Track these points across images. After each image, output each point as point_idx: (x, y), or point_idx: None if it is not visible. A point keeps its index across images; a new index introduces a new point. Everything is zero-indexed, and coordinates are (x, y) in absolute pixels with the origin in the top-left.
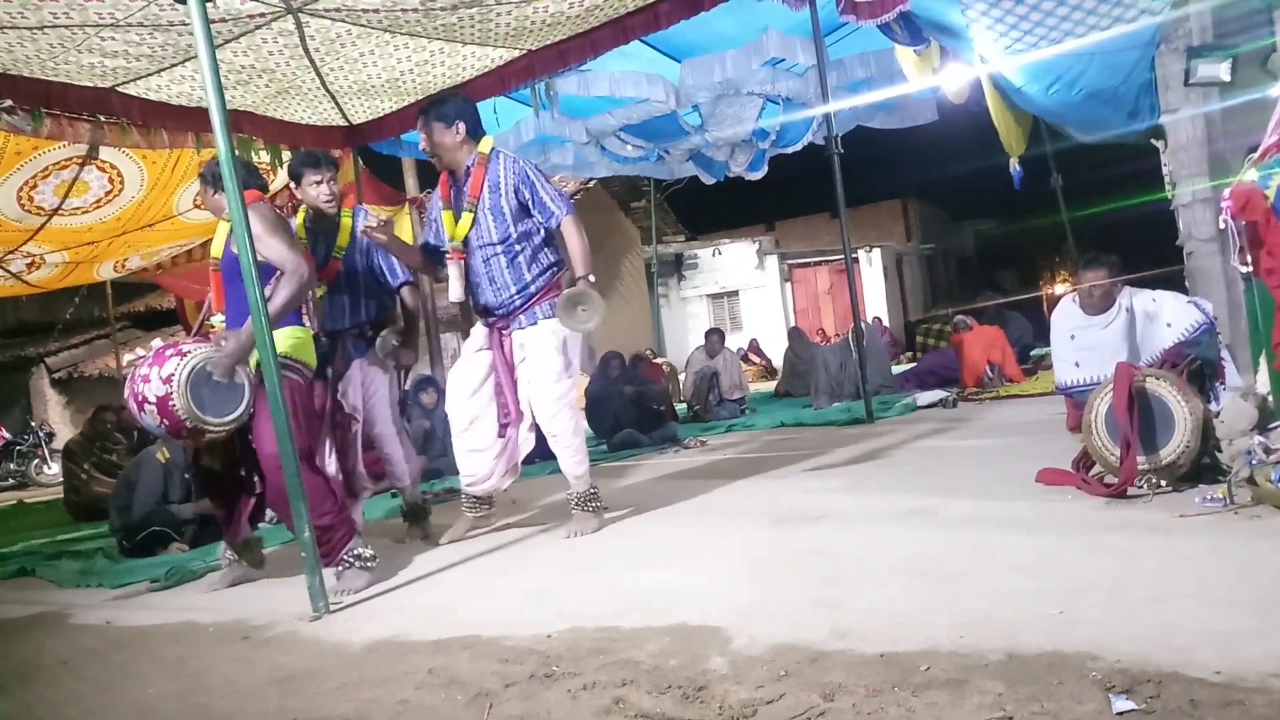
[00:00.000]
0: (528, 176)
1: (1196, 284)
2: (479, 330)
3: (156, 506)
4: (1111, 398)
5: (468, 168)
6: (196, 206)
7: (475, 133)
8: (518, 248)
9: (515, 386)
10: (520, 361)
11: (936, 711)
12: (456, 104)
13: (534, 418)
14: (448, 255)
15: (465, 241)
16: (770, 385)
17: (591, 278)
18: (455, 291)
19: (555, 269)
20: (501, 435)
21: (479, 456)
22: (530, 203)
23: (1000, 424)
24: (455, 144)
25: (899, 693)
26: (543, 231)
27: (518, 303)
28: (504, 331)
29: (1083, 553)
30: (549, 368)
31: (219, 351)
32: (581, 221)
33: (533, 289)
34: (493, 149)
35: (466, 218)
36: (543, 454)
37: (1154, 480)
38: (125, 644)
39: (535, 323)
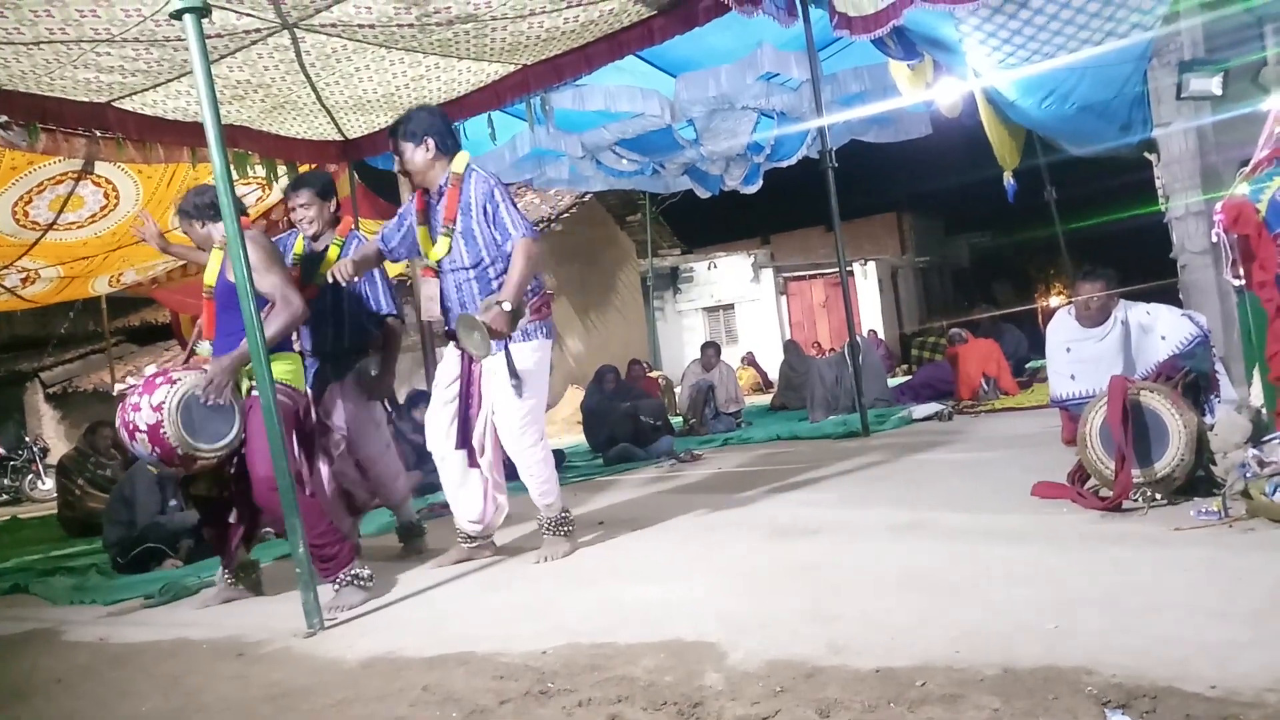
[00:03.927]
0: (493, 195)
1: (1190, 297)
2: (450, 357)
3: (154, 520)
4: (1106, 411)
5: (441, 187)
6: (177, 227)
7: (446, 147)
8: (491, 272)
9: (478, 415)
10: (489, 387)
11: None
12: (422, 119)
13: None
14: (421, 273)
15: (438, 264)
16: (766, 398)
17: (506, 306)
18: (430, 310)
19: (529, 295)
20: (474, 466)
21: (460, 494)
22: (491, 222)
23: (995, 437)
24: (427, 161)
25: (895, 708)
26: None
27: None
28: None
29: (1078, 566)
30: (512, 396)
31: (207, 375)
32: (578, 235)
33: None
34: (467, 167)
35: (444, 242)
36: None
37: (1149, 493)
38: (119, 661)
39: (504, 348)
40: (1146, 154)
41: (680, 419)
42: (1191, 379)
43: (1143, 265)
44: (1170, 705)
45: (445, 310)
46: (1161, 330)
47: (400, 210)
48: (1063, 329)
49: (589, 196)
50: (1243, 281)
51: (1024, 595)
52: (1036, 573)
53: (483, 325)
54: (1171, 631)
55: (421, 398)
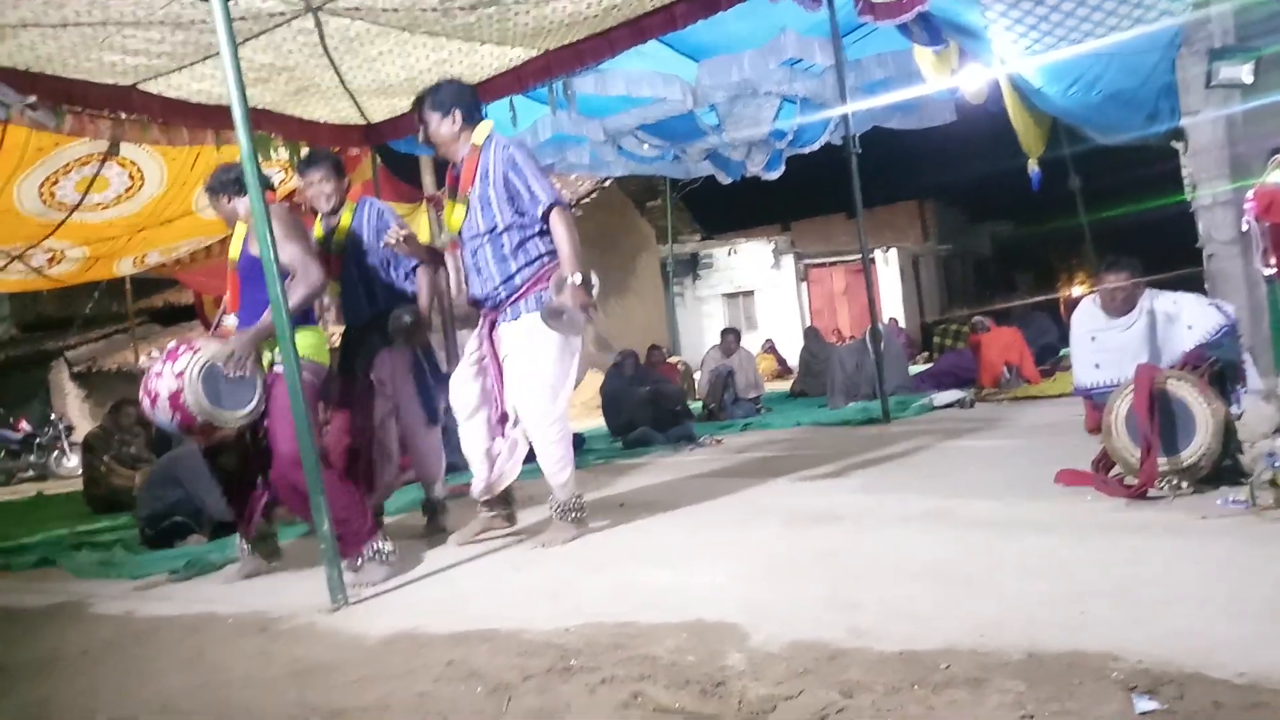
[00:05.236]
0: (516, 163)
1: (1216, 286)
2: (479, 326)
3: (185, 496)
4: (1132, 399)
5: (464, 158)
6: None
7: (472, 118)
8: (504, 238)
9: (501, 384)
10: (505, 357)
11: (957, 710)
12: (451, 91)
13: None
14: (448, 249)
15: (459, 233)
16: (785, 385)
17: (578, 278)
18: (454, 284)
19: (543, 260)
20: (496, 435)
21: (478, 459)
22: (519, 189)
23: (1018, 425)
24: (453, 133)
25: (919, 691)
26: (535, 223)
27: (503, 294)
28: (495, 324)
29: (1103, 553)
30: (528, 367)
31: (229, 344)
32: (598, 220)
33: (517, 280)
34: (488, 136)
35: (460, 209)
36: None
37: (1174, 482)
38: (145, 635)
39: (518, 317)
40: (1173, 143)
41: (699, 404)
42: (1218, 368)
43: (1165, 254)
44: (1198, 692)
45: (467, 278)
46: (1188, 319)
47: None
48: (1088, 318)
49: (609, 182)
50: (1274, 270)
51: (1047, 582)
52: (1060, 560)
53: (565, 305)
54: (1197, 620)
55: (444, 379)
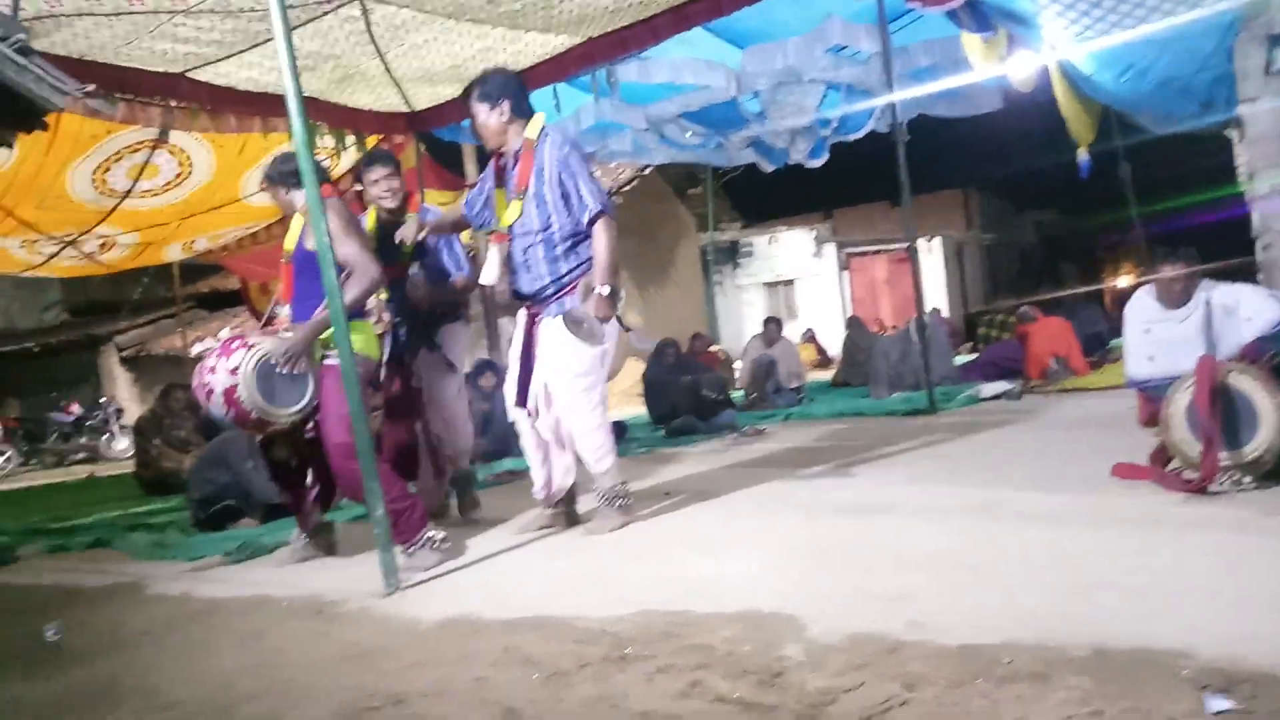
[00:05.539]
0: (570, 165)
1: (1272, 278)
2: (520, 320)
3: (236, 478)
4: (1193, 391)
5: (516, 153)
6: (262, 189)
7: (522, 110)
8: (558, 238)
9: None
10: (545, 349)
11: (1022, 705)
12: (499, 81)
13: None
14: (490, 238)
15: (509, 228)
16: (826, 374)
17: (605, 290)
18: (490, 274)
19: (586, 267)
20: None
21: (534, 460)
22: (570, 191)
23: (1068, 417)
24: (501, 125)
25: (981, 684)
26: (585, 225)
27: (551, 291)
28: (538, 318)
29: (1167, 548)
30: (569, 360)
31: (283, 341)
32: (639, 208)
33: (567, 280)
34: (541, 131)
35: (515, 205)
36: None
37: (1237, 477)
38: (202, 616)
39: (561, 313)
40: (1226, 132)
41: (741, 393)
42: (1277, 361)
43: (1216, 245)
44: (1274, 692)
45: (513, 272)
46: (1246, 311)
47: (481, 176)
48: (1143, 309)
49: (650, 169)
50: None
51: (1111, 577)
52: (1124, 554)
53: (588, 315)
54: (1269, 618)
55: (487, 366)
